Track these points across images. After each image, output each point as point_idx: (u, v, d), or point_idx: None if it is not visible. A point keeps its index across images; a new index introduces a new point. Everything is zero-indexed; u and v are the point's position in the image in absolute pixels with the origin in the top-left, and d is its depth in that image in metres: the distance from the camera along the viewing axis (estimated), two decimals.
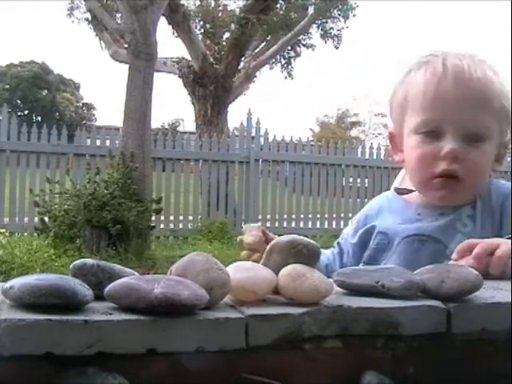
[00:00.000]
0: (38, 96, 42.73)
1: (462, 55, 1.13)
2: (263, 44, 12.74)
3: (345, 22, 13.14)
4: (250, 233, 1.11)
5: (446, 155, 1.06)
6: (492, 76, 1.10)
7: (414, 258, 1.08)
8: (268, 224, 9.12)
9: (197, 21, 12.77)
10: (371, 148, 10.14)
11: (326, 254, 1.26)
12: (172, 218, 8.57)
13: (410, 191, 1.20)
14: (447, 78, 1.08)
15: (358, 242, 1.21)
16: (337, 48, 13.40)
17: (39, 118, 36.77)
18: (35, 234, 6.83)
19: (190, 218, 8.79)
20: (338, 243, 1.27)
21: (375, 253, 1.15)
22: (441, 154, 1.07)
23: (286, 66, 14.02)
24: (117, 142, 8.01)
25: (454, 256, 0.94)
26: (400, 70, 1.19)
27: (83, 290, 0.63)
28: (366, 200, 9.75)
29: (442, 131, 1.08)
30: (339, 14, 12.96)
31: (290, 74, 14.13)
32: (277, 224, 9.16)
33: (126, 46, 8.42)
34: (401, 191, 1.24)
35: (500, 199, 1.12)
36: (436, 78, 1.08)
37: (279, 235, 0.86)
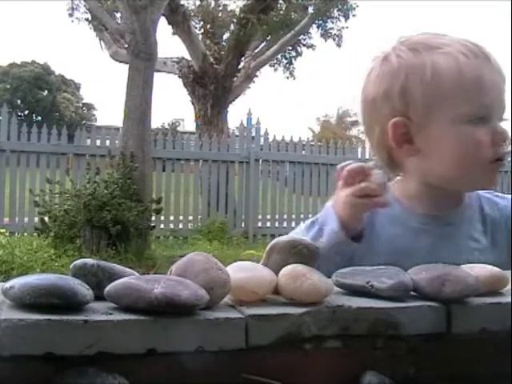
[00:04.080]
0: (39, 96, 42.73)
1: (464, 41, 1.07)
2: (263, 44, 12.75)
3: (345, 21, 13.16)
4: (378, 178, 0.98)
5: (501, 138, 1.02)
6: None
7: None
8: (268, 224, 9.13)
9: (197, 21, 12.78)
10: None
11: None
12: (172, 218, 8.57)
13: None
14: (491, 61, 1.03)
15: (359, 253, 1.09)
16: (339, 46, 13.40)
17: (39, 118, 36.78)
18: (35, 234, 6.83)
19: (190, 217, 8.80)
20: None
21: None
22: (495, 138, 1.02)
23: (287, 66, 14.04)
24: (117, 142, 8.01)
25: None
26: (405, 53, 1.06)
27: (83, 289, 0.63)
28: None
29: (489, 117, 1.02)
30: (339, 14, 12.97)
31: (291, 74, 14.15)
32: (277, 224, 9.17)
33: (126, 46, 8.42)
34: None
35: (507, 213, 1.10)
36: (478, 61, 1.02)
37: (279, 235, 0.86)
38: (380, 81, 1.06)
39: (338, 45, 13.39)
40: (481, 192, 1.14)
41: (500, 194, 1.16)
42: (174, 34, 11.49)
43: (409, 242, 1.06)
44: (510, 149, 1.06)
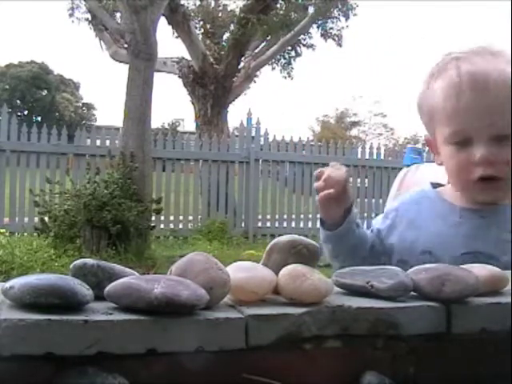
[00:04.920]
0: (38, 96, 42.73)
1: (476, 54, 1.13)
2: (263, 44, 12.74)
3: (346, 21, 13.15)
4: (338, 171, 1.15)
5: (479, 162, 1.09)
6: (509, 71, 1.11)
7: None
8: (268, 224, 9.13)
9: (197, 21, 12.78)
10: (371, 148, 10.14)
11: (370, 235, 1.25)
12: (172, 217, 8.57)
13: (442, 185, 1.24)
14: (464, 89, 1.09)
15: (397, 246, 1.20)
16: (340, 46, 13.40)
17: (39, 118, 36.76)
18: (35, 234, 6.82)
19: (190, 218, 8.79)
20: (379, 230, 1.25)
21: None
22: (474, 161, 1.09)
23: (286, 66, 14.03)
24: (117, 142, 8.01)
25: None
26: (425, 70, 1.20)
27: (83, 289, 0.63)
28: (365, 200, 9.76)
29: (472, 139, 1.10)
30: (339, 14, 12.97)
31: (289, 74, 14.14)
32: (277, 224, 9.17)
33: (126, 46, 8.42)
34: (436, 185, 1.26)
35: None
36: (453, 90, 1.10)
37: (279, 235, 0.86)
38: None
39: (339, 44, 13.39)
40: None
41: None
42: (174, 35, 11.49)
43: (445, 234, 1.15)
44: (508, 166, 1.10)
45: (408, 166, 1.86)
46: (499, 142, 1.09)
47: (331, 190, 1.14)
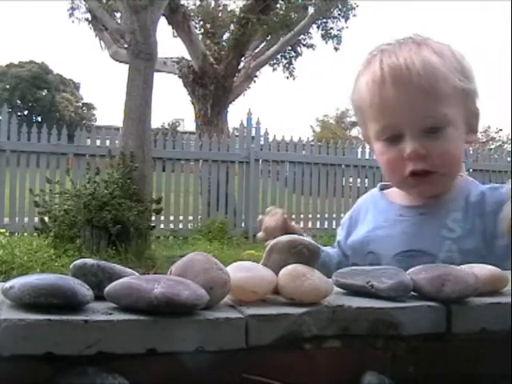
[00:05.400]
0: (38, 96, 42.73)
1: (401, 45, 1.10)
2: (263, 44, 12.74)
3: (345, 21, 13.15)
4: (273, 217, 1.14)
5: (409, 157, 1.07)
6: (435, 61, 1.07)
7: None
8: None
9: (197, 21, 12.78)
10: (371, 148, 10.12)
11: (333, 252, 1.26)
12: (172, 217, 8.57)
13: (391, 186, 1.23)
14: (387, 83, 1.06)
15: (351, 251, 1.22)
16: (336, 50, 13.42)
17: (39, 118, 36.76)
18: (35, 234, 6.82)
19: (190, 218, 8.79)
20: (339, 243, 1.27)
21: None
22: (404, 156, 1.07)
23: (287, 66, 14.04)
24: (117, 142, 8.01)
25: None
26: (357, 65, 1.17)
27: (83, 289, 0.63)
28: None
29: (400, 134, 1.07)
30: (339, 14, 12.97)
31: (291, 74, 14.14)
32: None
33: (126, 46, 8.41)
34: (384, 186, 1.26)
35: (496, 207, 1.07)
36: (376, 85, 1.08)
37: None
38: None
39: (338, 43, 13.38)
40: (477, 184, 1.17)
41: (498, 185, 1.16)
42: (174, 35, 11.49)
43: (386, 233, 1.14)
44: (437, 162, 1.08)
45: None
46: (431, 133, 1.06)
47: (272, 240, 1.13)
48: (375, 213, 1.21)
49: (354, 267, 0.84)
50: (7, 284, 0.64)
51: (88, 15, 12.17)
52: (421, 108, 1.05)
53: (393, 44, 1.12)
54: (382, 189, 1.26)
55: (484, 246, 1.07)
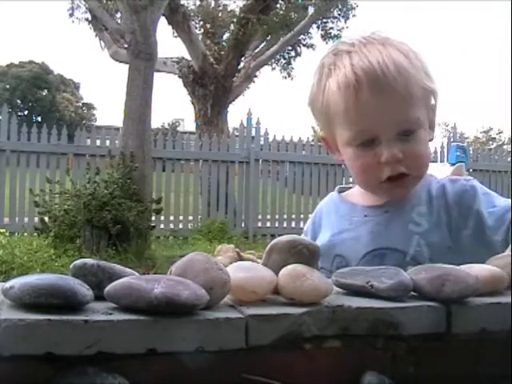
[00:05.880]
0: (38, 96, 42.73)
1: (366, 45, 1.08)
2: (263, 44, 12.75)
3: (345, 22, 13.16)
4: (225, 254, 1.13)
5: (387, 162, 1.05)
6: (403, 62, 1.06)
7: None
8: (268, 224, 9.13)
9: (197, 21, 12.78)
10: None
11: None
12: (172, 217, 8.57)
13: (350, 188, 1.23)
14: (362, 89, 1.04)
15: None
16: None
17: (39, 118, 36.77)
18: (35, 234, 6.82)
19: (190, 218, 8.79)
20: None
21: None
22: (381, 161, 1.06)
23: (286, 66, 14.04)
24: (117, 142, 8.01)
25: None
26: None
27: (83, 289, 0.63)
28: None
29: (376, 138, 1.06)
30: (339, 14, 12.97)
31: (289, 74, 14.14)
32: (277, 224, 9.16)
33: (126, 46, 8.41)
34: (342, 189, 1.26)
35: (457, 197, 1.09)
36: (351, 90, 1.04)
37: (279, 235, 0.86)
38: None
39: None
40: (436, 178, 1.16)
41: (456, 178, 1.16)
42: (174, 35, 11.49)
43: (352, 234, 1.14)
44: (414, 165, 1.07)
45: (453, 164, 1.83)
46: (405, 136, 1.06)
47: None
48: (337, 216, 1.20)
49: (354, 267, 0.84)
50: (7, 284, 0.64)
51: (88, 15, 12.17)
52: (397, 112, 1.05)
53: (356, 44, 1.09)
54: (340, 191, 1.26)
55: (450, 238, 1.07)
